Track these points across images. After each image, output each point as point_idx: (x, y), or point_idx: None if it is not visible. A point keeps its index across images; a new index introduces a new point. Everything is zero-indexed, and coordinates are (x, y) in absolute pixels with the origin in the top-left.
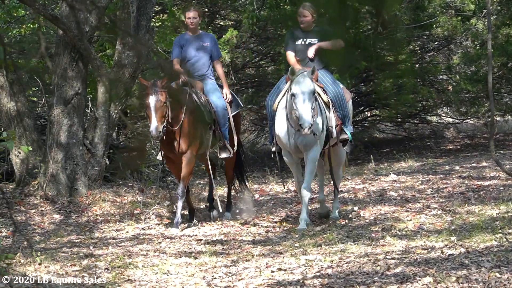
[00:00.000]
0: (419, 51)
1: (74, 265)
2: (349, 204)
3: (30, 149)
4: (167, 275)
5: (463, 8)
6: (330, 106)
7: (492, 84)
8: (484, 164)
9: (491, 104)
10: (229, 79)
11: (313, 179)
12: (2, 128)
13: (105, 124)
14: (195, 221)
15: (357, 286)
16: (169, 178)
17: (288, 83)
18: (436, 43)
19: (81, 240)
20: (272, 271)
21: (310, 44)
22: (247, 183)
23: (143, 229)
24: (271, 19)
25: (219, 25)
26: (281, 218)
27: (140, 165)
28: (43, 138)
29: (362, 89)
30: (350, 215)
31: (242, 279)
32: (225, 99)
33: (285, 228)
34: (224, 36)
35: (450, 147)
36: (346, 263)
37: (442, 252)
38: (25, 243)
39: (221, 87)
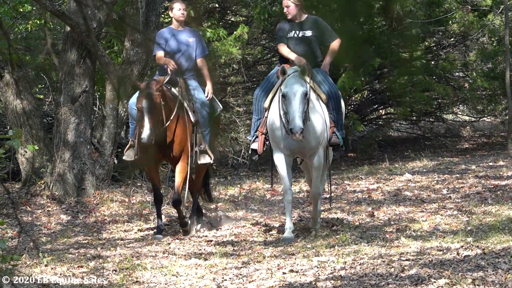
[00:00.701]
0: (434, 48)
1: (82, 266)
2: (362, 204)
3: (37, 148)
4: (176, 276)
5: (480, 3)
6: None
7: (510, 81)
8: (501, 163)
9: (508, 101)
10: (240, 76)
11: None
12: (8, 127)
13: (113, 122)
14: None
15: None
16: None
17: (279, 81)
18: (452, 39)
19: (89, 241)
20: (284, 273)
21: (304, 37)
22: (211, 193)
23: (152, 229)
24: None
25: (230, 21)
26: (293, 218)
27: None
28: (49, 137)
29: (376, 87)
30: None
31: (253, 281)
32: (207, 97)
33: (297, 229)
34: (235, 32)
35: (466, 146)
36: (359, 264)
37: (458, 253)
38: (31, 244)
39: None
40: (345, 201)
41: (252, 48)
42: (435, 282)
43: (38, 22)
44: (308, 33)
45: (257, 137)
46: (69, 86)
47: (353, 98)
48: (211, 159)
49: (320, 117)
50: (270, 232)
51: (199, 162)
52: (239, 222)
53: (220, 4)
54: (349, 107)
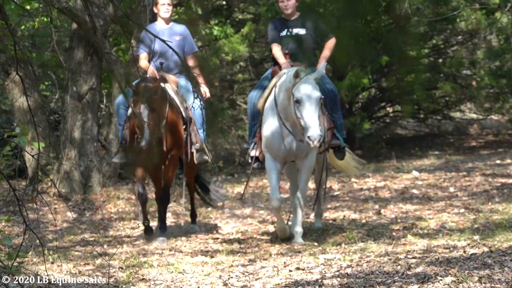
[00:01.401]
0: (442, 46)
1: (88, 264)
2: (369, 202)
3: (43, 145)
4: (183, 274)
5: (488, 1)
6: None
7: None
8: (509, 161)
9: None
10: (247, 74)
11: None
12: (15, 124)
13: None
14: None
15: (377, 286)
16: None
17: (275, 78)
18: (459, 37)
19: (95, 238)
20: (290, 271)
21: (298, 36)
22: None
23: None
24: None
25: (237, 19)
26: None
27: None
28: (56, 134)
29: (384, 85)
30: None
31: (259, 278)
32: (204, 96)
33: (304, 227)
34: (242, 29)
35: (474, 144)
36: (366, 262)
37: (465, 251)
38: (37, 241)
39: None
40: (352, 199)
41: (259, 46)
42: (441, 280)
43: (45, 19)
44: (302, 31)
45: (255, 143)
46: (76, 83)
47: (360, 96)
48: (208, 157)
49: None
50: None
51: (196, 161)
52: (246, 219)
53: (227, 1)
54: (356, 105)
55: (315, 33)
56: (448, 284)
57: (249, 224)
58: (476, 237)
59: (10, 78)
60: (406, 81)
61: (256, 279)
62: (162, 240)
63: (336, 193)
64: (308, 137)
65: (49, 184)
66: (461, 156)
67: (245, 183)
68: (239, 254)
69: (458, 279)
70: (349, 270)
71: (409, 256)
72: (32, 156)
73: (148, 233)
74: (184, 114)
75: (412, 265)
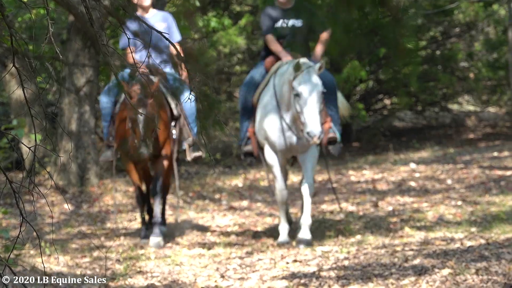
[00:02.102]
0: (439, 38)
1: (85, 256)
2: (367, 194)
3: (40, 137)
4: (180, 266)
5: None
6: None
7: None
8: (506, 153)
9: None
10: (245, 66)
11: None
12: (12, 116)
13: None
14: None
15: (374, 278)
16: (183, 168)
17: (271, 73)
18: (457, 29)
19: (92, 231)
20: (287, 263)
21: (294, 27)
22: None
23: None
24: None
25: (235, 11)
26: (297, 208)
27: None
28: (54, 127)
29: (381, 77)
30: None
31: (256, 270)
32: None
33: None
34: (239, 22)
35: (471, 136)
36: (363, 254)
37: (462, 244)
38: (34, 234)
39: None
40: (349, 191)
41: (256, 38)
42: (438, 272)
43: (41, 11)
44: (298, 22)
45: (249, 138)
46: (73, 75)
47: (358, 88)
48: (202, 153)
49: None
50: (274, 222)
51: (189, 158)
52: (243, 212)
53: None
54: (354, 97)
55: (310, 24)
56: (445, 276)
57: (247, 216)
58: (473, 229)
59: (7, 70)
60: (403, 73)
61: (253, 271)
62: (157, 242)
63: (333, 185)
64: (307, 133)
65: (46, 176)
66: (459, 148)
67: (242, 175)
68: (236, 246)
69: (455, 271)
70: (346, 262)
71: (406, 248)
72: (29, 148)
73: (144, 235)
74: (175, 111)
75: (409, 257)
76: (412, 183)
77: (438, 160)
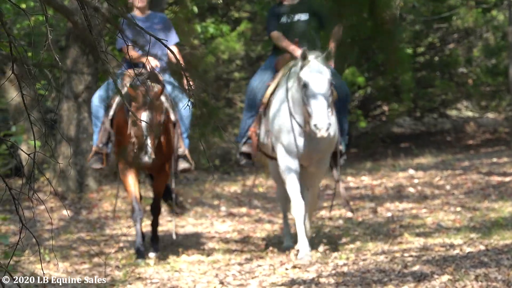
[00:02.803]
0: (438, 44)
1: (84, 262)
2: (365, 200)
3: (39, 144)
4: (179, 273)
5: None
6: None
7: None
8: (505, 159)
9: None
10: (244, 72)
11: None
12: (11, 122)
13: None
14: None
15: (373, 284)
16: (181, 174)
17: (282, 73)
18: (455, 35)
19: (92, 237)
20: (287, 269)
21: (299, 22)
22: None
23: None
24: None
25: (233, 18)
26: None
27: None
28: (53, 133)
29: (380, 83)
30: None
31: (255, 277)
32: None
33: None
34: (238, 28)
35: (470, 142)
36: (362, 260)
37: (461, 250)
38: (34, 240)
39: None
40: (348, 197)
41: (255, 44)
42: (437, 278)
43: (40, 18)
44: (304, 16)
45: (249, 138)
46: (71, 82)
47: (356, 94)
48: (191, 165)
49: (334, 116)
50: (273, 229)
51: (178, 168)
52: (242, 218)
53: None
54: (353, 103)
55: (318, 18)
56: (444, 283)
57: (245, 222)
58: (473, 235)
59: (6, 77)
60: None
61: (252, 278)
62: (155, 256)
63: (331, 191)
64: (315, 125)
65: (45, 182)
66: (458, 154)
67: (241, 181)
68: (235, 252)
69: (454, 278)
70: (345, 269)
71: (405, 255)
72: (28, 155)
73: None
74: (173, 117)
75: (408, 264)
76: (411, 189)
77: (437, 166)
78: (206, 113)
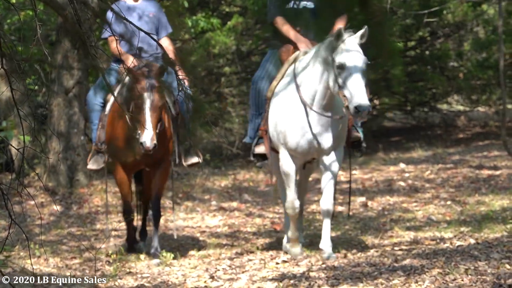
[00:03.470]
0: (429, 38)
1: (75, 257)
2: (356, 194)
3: (29, 139)
4: (170, 267)
5: None
6: None
7: (504, 71)
8: (496, 153)
9: (502, 91)
10: (234, 66)
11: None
12: (2, 117)
13: None
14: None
15: (364, 278)
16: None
17: (287, 64)
18: (446, 29)
19: (82, 232)
20: (277, 263)
21: (306, 9)
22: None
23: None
24: None
25: (224, 12)
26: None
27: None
28: (43, 128)
29: (371, 76)
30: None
31: (246, 271)
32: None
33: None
34: (229, 22)
35: (461, 135)
36: (352, 254)
37: (451, 243)
38: (24, 235)
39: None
40: (339, 191)
41: (246, 39)
42: (428, 272)
43: (30, 13)
44: (310, 4)
45: (260, 137)
46: (62, 77)
47: None
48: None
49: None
50: (264, 223)
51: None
52: (233, 212)
53: None
54: None
55: (324, 6)
56: (434, 276)
57: (236, 217)
58: (463, 229)
59: None
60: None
61: (243, 272)
62: (156, 262)
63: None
64: (356, 107)
65: (36, 177)
66: (448, 148)
67: (232, 175)
68: (226, 247)
69: (444, 271)
70: (336, 263)
71: (395, 248)
72: (17, 149)
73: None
74: (173, 110)
75: (398, 257)
76: (402, 183)
77: (428, 160)
78: (195, 108)
